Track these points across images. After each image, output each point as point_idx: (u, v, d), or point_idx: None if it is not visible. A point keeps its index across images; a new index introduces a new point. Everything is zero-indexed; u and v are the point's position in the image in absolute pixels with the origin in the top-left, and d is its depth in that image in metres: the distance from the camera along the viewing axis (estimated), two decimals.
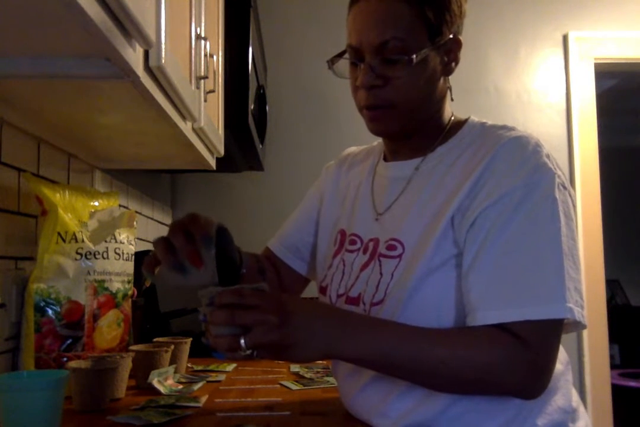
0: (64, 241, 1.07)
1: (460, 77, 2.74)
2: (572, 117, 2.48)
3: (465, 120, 0.89)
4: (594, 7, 2.54)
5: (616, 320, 2.76)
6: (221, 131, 1.48)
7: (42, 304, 1.04)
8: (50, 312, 1.05)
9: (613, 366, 2.68)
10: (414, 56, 0.79)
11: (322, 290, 0.94)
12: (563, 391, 0.82)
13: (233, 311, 0.67)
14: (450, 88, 0.88)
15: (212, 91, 1.24)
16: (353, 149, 1.08)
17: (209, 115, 1.26)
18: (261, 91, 1.92)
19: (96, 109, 1.02)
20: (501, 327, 0.72)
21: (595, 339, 2.41)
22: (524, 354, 0.71)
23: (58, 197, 1.08)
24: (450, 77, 0.88)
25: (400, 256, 0.81)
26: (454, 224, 0.78)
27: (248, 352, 0.66)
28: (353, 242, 0.91)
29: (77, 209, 1.12)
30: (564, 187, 0.77)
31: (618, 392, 2.58)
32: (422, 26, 0.80)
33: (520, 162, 0.76)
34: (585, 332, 2.39)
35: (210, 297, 0.70)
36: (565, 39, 2.52)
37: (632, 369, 3.78)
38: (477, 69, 2.50)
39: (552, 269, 0.72)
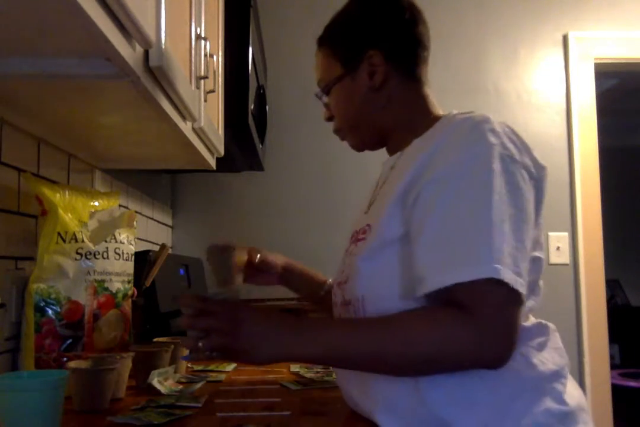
0: (64, 241, 1.07)
1: (460, 77, 2.75)
2: (572, 117, 2.48)
3: (445, 115, 0.94)
4: (594, 7, 2.54)
5: (616, 320, 2.76)
6: (221, 131, 1.48)
7: (42, 304, 1.04)
8: (50, 312, 1.05)
9: (613, 366, 2.67)
10: (331, 85, 0.98)
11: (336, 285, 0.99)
12: (554, 394, 0.80)
13: (195, 316, 0.76)
14: (392, 96, 0.95)
15: (212, 91, 1.24)
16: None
17: (209, 115, 1.26)
18: (261, 91, 1.92)
19: (96, 109, 1.02)
20: (444, 301, 0.73)
21: (595, 339, 2.41)
22: (469, 322, 0.71)
23: (58, 197, 1.08)
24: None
25: (365, 238, 0.88)
26: (405, 204, 0.82)
27: (207, 353, 0.75)
28: (351, 237, 0.97)
29: (77, 209, 1.12)
30: (512, 159, 0.78)
31: (618, 392, 2.57)
32: (335, 60, 0.97)
33: (462, 139, 0.80)
34: (585, 332, 2.39)
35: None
36: (565, 39, 2.52)
37: (632, 369, 3.78)
38: (477, 69, 2.50)
39: (479, 234, 0.73)
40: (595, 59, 2.50)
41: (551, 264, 2.43)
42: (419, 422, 0.78)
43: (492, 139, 0.78)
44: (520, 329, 0.74)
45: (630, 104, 4.17)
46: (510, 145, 0.79)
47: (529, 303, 0.83)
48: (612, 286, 4.25)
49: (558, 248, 2.43)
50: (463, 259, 0.73)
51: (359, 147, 1.03)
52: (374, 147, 1.02)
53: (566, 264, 2.43)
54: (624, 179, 4.57)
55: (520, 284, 0.72)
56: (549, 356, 0.83)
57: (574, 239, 2.44)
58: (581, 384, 2.38)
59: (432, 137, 0.86)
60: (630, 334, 4.07)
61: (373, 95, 0.95)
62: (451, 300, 0.73)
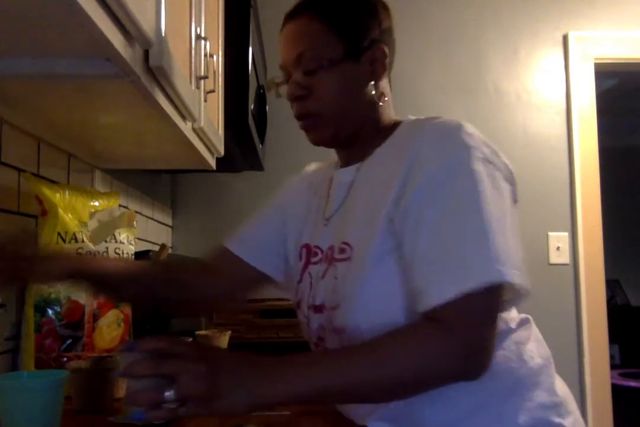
0: (64, 241, 1.07)
1: (460, 77, 2.74)
2: (572, 117, 2.48)
3: (401, 121, 0.91)
4: (594, 7, 2.54)
5: (616, 320, 2.76)
6: (221, 131, 1.48)
7: (42, 304, 1.04)
8: (50, 312, 1.05)
9: (613, 366, 2.68)
10: (328, 65, 0.85)
11: (298, 304, 0.94)
12: (545, 386, 0.82)
13: (157, 359, 0.63)
14: (383, 94, 0.90)
15: (212, 91, 1.24)
16: (313, 166, 1.11)
17: (209, 115, 1.26)
18: (261, 91, 1.92)
19: (96, 109, 1.02)
20: (426, 318, 0.72)
21: (595, 339, 2.41)
22: (450, 342, 0.70)
23: (58, 197, 1.08)
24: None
25: (349, 257, 0.83)
26: (391, 218, 0.79)
27: (174, 405, 0.61)
28: (315, 254, 0.92)
29: (77, 209, 1.12)
30: (489, 161, 0.77)
31: (618, 392, 2.57)
32: (335, 39, 0.86)
33: (439, 146, 0.79)
34: (585, 332, 2.39)
35: (129, 348, 0.66)
36: (565, 39, 2.52)
37: (632, 369, 3.78)
38: (477, 69, 2.50)
39: (475, 242, 0.72)
40: (595, 59, 2.50)
41: (551, 264, 2.43)
42: None
43: (471, 143, 0.77)
44: (504, 328, 0.74)
45: (630, 104, 4.16)
46: (485, 149, 0.78)
47: (507, 297, 0.80)
48: (612, 286, 4.25)
49: (558, 248, 2.43)
50: (463, 269, 0.71)
51: (326, 141, 0.92)
52: (342, 145, 0.94)
53: (566, 264, 2.43)
54: (624, 179, 4.57)
55: (524, 279, 0.71)
56: (535, 350, 0.84)
57: (574, 239, 2.44)
58: (581, 384, 2.38)
59: (401, 145, 0.83)
60: (630, 334, 4.07)
61: (367, 90, 0.89)
62: (432, 315, 0.71)
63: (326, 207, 0.94)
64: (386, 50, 0.89)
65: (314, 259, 0.92)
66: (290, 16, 0.91)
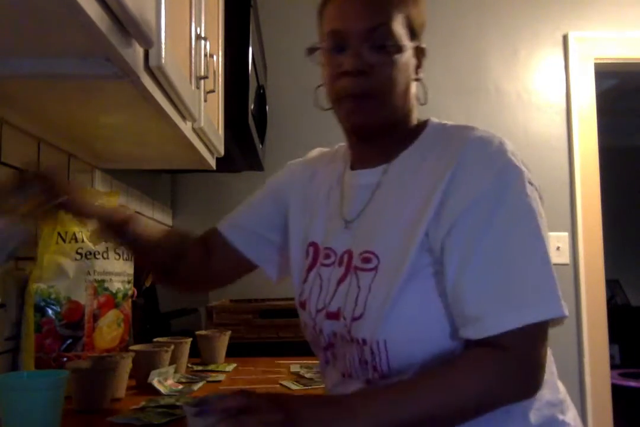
0: (64, 241, 1.07)
1: (460, 77, 2.74)
2: (572, 117, 2.48)
3: (426, 122, 0.88)
4: (594, 7, 2.54)
5: (616, 320, 2.76)
6: (221, 131, 1.48)
7: (42, 304, 1.04)
8: (50, 312, 1.05)
9: (613, 366, 2.67)
10: (403, 44, 0.80)
11: (302, 304, 0.91)
12: (549, 384, 0.82)
13: (237, 419, 0.62)
14: (417, 94, 0.88)
15: (212, 91, 1.24)
16: (315, 152, 1.07)
17: (209, 115, 1.26)
18: (261, 91, 1.92)
19: (96, 109, 1.02)
20: (485, 343, 0.71)
21: (595, 339, 2.41)
22: (513, 367, 0.71)
23: None
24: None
25: (375, 268, 0.80)
26: (428, 233, 0.76)
27: None
28: (327, 256, 0.88)
29: None
30: (531, 183, 0.77)
31: (618, 392, 2.57)
32: (405, 23, 0.81)
33: (487, 163, 0.76)
34: (585, 332, 2.39)
35: (200, 412, 0.64)
36: (565, 39, 2.52)
37: (632, 369, 3.78)
38: (477, 69, 2.50)
39: (534, 269, 0.73)
40: (595, 59, 2.50)
41: None
42: None
43: (517, 163, 0.77)
44: None
45: (630, 104, 4.16)
46: (525, 168, 0.78)
47: None
48: (612, 286, 4.25)
49: (558, 248, 2.43)
50: (525, 303, 0.71)
51: (372, 125, 0.83)
52: (373, 137, 0.86)
53: (566, 264, 2.43)
54: (624, 179, 4.57)
55: (567, 311, 0.73)
56: None
57: (574, 239, 2.44)
58: (581, 384, 2.38)
59: (437, 154, 0.80)
60: (630, 334, 4.07)
61: (412, 84, 0.85)
62: (487, 340, 0.71)
63: (343, 209, 0.89)
64: (423, 49, 0.87)
65: (325, 261, 0.88)
66: None
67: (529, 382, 0.73)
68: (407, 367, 0.77)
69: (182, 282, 1.08)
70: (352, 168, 0.92)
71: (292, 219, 0.98)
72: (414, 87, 0.86)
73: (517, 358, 0.71)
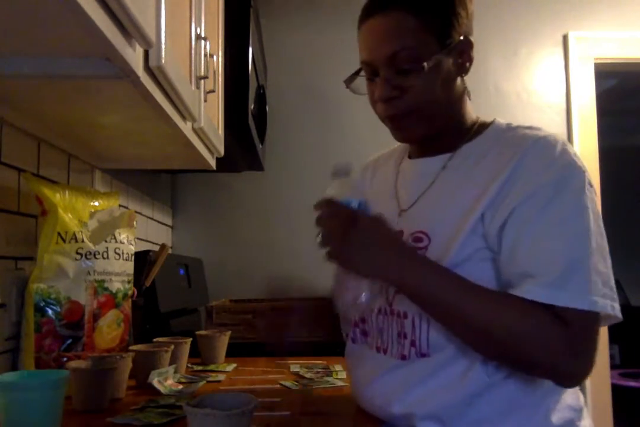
0: (64, 241, 1.07)
1: None
2: (572, 117, 2.48)
3: (492, 122, 0.92)
4: (594, 7, 2.54)
5: None
6: (221, 131, 1.48)
7: (42, 304, 1.04)
8: (50, 312, 1.05)
9: (613, 366, 2.67)
10: (425, 64, 0.83)
11: None
12: (572, 389, 0.85)
13: (322, 217, 0.79)
14: (466, 88, 0.92)
15: (212, 91, 1.24)
16: (375, 155, 1.13)
17: (209, 115, 1.26)
18: (261, 91, 1.92)
19: (96, 109, 1.02)
20: (544, 305, 0.74)
21: None
22: (561, 332, 0.72)
23: (58, 197, 1.08)
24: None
25: (426, 247, 0.84)
26: (484, 221, 0.80)
27: (320, 250, 0.78)
28: None
29: (77, 209, 1.12)
30: (591, 186, 0.80)
31: (618, 392, 2.57)
32: (430, 33, 0.84)
33: (550, 160, 0.79)
34: None
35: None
36: (565, 39, 2.52)
37: (632, 369, 3.78)
38: (477, 69, 2.48)
39: (578, 264, 0.75)
40: (595, 59, 2.50)
41: None
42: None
43: (580, 164, 0.80)
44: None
45: (630, 104, 4.16)
46: (587, 171, 0.81)
47: None
48: None
49: None
50: (573, 286, 0.74)
51: (416, 138, 0.91)
52: (428, 140, 0.92)
53: None
54: (624, 179, 4.56)
55: (617, 310, 0.76)
56: None
57: None
58: (581, 384, 2.38)
59: (500, 149, 0.84)
60: (630, 334, 4.06)
61: (456, 84, 0.90)
62: (550, 308, 0.74)
63: (399, 197, 0.94)
64: (472, 40, 0.89)
65: None
66: (380, 8, 0.85)
67: (572, 357, 0.73)
68: (446, 343, 0.80)
69: None
70: (410, 157, 0.97)
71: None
72: (459, 85, 0.90)
73: (569, 331, 0.73)
